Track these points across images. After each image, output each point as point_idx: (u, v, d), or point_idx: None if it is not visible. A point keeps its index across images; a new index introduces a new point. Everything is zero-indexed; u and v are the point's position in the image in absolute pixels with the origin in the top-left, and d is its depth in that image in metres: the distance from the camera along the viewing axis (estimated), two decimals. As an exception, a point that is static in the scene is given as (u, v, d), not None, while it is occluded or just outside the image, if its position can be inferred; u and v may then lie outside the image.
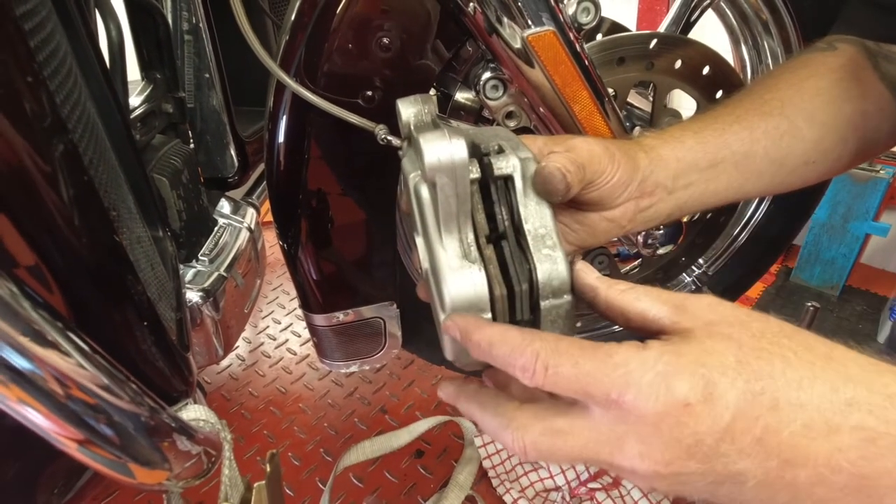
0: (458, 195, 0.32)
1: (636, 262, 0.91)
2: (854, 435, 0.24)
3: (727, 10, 0.76)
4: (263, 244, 0.99)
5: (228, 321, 0.82)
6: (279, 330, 1.24)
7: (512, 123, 0.63)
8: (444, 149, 0.30)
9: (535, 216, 0.34)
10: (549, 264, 0.32)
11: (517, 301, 0.33)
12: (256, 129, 0.99)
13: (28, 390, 0.24)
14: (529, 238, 0.33)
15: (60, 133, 0.26)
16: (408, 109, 0.38)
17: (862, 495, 0.25)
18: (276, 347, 1.19)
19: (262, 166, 1.03)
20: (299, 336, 1.22)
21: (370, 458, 0.90)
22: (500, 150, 0.35)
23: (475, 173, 0.34)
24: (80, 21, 0.48)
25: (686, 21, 0.71)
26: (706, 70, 0.70)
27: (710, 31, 0.81)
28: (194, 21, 0.82)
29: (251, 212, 0.95)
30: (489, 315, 0.32)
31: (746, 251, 0.93)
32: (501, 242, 0.34)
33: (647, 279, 0.91)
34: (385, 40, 0.57)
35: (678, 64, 0.69)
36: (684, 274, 0.94)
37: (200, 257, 0.82)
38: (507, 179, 0.35)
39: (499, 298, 0.32)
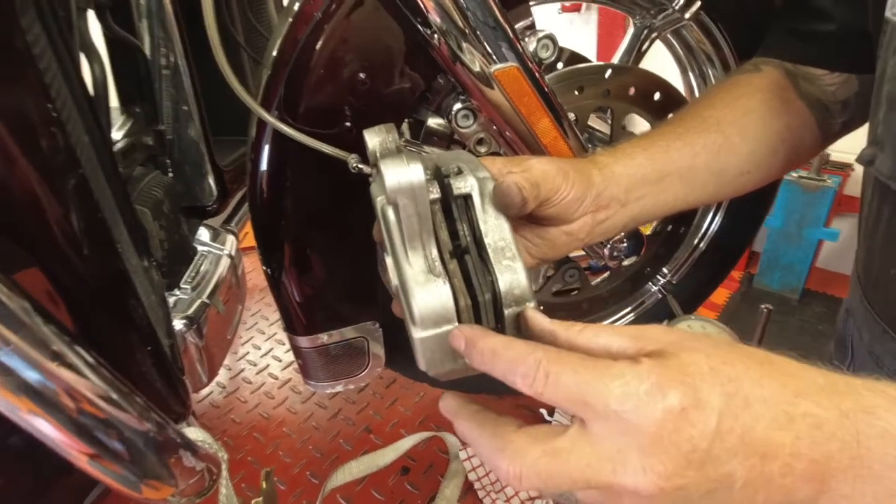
0: (420, 214, 0.34)
1: (605, 275, 0.96)
2: (804, 421, 0.27)
3: (673, 41, 0.83)
4: (243, 270, 1.01)
5: (212, 348, 0.83)
6: (259, 356, 1.24)
7: (483, 149, 0.67)
8: (402, 173, 0.33)
9: (495, 230, 0.36)
10: (510, 274, 0.34)
11: (482, 311, 0.35)
12: (234, 158, 1.01)
13: (39, 403, 0.25)
14: (490, 251, 0.35)
15: (74, 169, 0.28)
16: (373, 139, 0.40)
17: (815, 481, 0.27)
18: (258, 373, 1.19)
19: (240, 194, 1.05)
20: (280, 361, 1.22)
21: (357, 477, 0.91)
22: (459, 172, 0.38)
23: (436, 194, 0.36)
24: (69, 59, 0.50)
25: (637, 51, 0.78)
26: (657, 96, 0.76)
27: (661, 60, 0.88)
28: (172, 58, 0.84)
29: (231, 239, 0.97)
30: (455, 326, 0.33)
31: (706, 260, 0.99)
32: (465, 257, 0.36)
33: (615, 290, 0.96)
34: (361, 75, 0.61)
35: (632, 91, 0.75)
36: (650, 283, 0.99)
37: (182, 285, 0.83)
38: (467, 198, 0.37)
39: (464, 309, 0.34)
